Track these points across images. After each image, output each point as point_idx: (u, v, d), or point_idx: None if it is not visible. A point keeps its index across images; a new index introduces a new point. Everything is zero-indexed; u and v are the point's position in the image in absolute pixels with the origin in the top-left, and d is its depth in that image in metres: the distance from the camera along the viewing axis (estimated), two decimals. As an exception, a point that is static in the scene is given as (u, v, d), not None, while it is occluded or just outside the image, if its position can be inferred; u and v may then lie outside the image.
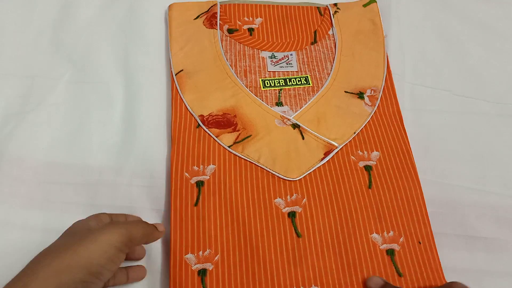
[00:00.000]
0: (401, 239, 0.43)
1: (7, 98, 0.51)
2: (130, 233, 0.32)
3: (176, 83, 0.51)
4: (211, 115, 0.49)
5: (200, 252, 0.41)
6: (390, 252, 0.42)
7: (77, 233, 0.32)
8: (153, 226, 0.36)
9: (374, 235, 0.43)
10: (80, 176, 0.47)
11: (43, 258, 0.30)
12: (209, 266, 0.41)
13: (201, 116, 0.49)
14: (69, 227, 0.35)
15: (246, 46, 0.54)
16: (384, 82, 0.53)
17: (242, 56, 0.54)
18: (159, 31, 0.57)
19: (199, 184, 0.45)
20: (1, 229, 0.44)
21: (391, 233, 0.43)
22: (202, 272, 0.40)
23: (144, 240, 0.35)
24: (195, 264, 0.41)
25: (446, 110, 0.54)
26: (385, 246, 0.43)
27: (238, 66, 0.53)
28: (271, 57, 0.54)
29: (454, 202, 0.47)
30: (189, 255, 0.41)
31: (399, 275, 0.41)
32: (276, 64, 0.53)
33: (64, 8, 0.58)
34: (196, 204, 0.44)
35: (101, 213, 0.37)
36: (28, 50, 0.55)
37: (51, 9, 0.58)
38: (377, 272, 0.41)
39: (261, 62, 0.53)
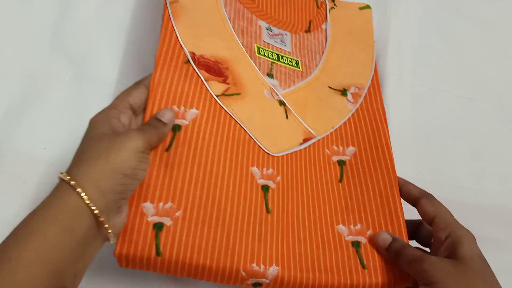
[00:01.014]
0: (368, 232, 0.42)
1: (7, 98, 0.50)
2: (149, 139, 0.36)
3: (169, 9, 0.45)
4: (203, 57, 0.44)
5: (161, 204, 0.36)
6: (356, 244, 0.41)
7: (103, 139, 0.33)
8: (160, 125, 0.38)
9: (340, 226, 0.42)
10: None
11: (78, 167, 0.32)
12: (167, 221, 0.36)
13: (192, 53, 0.44)
14: (91, 127, 0.35)
15: (245, 9, 0.51)
16: (370, 81, 0.53)
17: (241, 16, 0.50)
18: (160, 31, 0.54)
19: (176, 128, 0.40)
20: (2, 229, 0.37)
21: (358, 226, 0.43)
22: (158, 227, 0.35)
23: (160, 141, 0.38)
24: (151, 216, 0.36)
25: (446, 110, 0.55)
26: (350, 238, 0.42)
27: (236, 23, 0.49)
28: (267, 29, 0.51)
29: (454, 202, 0.47)
30: (148, 204, 0.36)
31: (363, 267, 0.40)
32: (271, 37, 0.51)
33: (63, 7, 0.56)
34: (168, 149, 0.39)
35: (117, 102, 0.38)
36: (28, 50, 0.53)
37: (51, 9, 0.56)
38: (340, 262, 0.40)
39: (257, 29, 0.51)
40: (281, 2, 0.56)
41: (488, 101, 0.56)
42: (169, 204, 0.37)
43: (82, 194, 0.30)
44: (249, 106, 0.44)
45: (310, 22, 0.56)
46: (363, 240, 0.42)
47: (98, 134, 0.34)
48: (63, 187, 0.31)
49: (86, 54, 0.53)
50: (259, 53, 0.49)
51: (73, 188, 0.30)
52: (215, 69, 0.44)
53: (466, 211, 0.48)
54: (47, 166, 0.47)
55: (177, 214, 0.36)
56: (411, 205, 0.44)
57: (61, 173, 0.31)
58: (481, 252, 0.38)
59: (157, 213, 0.36)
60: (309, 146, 0.46)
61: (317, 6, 0.58)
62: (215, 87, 0.43)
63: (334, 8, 0.58)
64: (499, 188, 0.50)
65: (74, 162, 0.33)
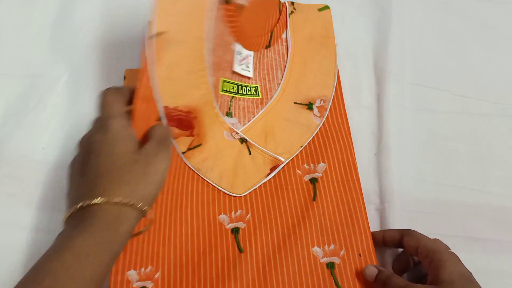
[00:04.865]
0: (341, 252, 0.44)
1: (7, 98, 0.51)
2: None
3: (150, 49, 0.40)
4: (176, 109, 0.44)
5: (142, 269, 0.41)
6: (330, 266, 0.43)
7: (138, 161, 0.36)
8: (169, 133, 0.42)
9: (316, 248, 0.44)
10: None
11: (126, 187, 0.35)
12: (148, 284, 0.40)
13: (166, 107, 0.43)
14: (103, 149, 0.36)
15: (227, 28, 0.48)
16: (334, 91, 0.53)
17: (221, 43, 0.47)
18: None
19: None
20: (1, 229, 0.44)
21: (332, 246, 0.44)
22: None
23: None
24: (136, 282, 0.40)
25: (446, 110, 0.55)
26: (325, 260, 0.44)
27: (214, 56, 0.46)
28: (238, 53, 0.50)
29: (454, 203, 0.49)
30: (132, 272, 0.40)
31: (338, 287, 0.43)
32: (240, 63, 0.51)
33: (63, 7, 0.57)
34: None
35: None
36: (28, 50, 0.55)
37: (51, 9, 0.57)
38: (316, 285, 0.42)
39: (230, 56, 0.50)
40: (262, 8, 0.52)
41: (488, 101, 0.56)
42: (149, 268, 0.41)
43: (144, 208, 0.35)
44: (209, 155, 0.47)
45: (271, 33, 0.55)
46: (337, 260, 0.44)
47: (129, 152, 0.37)
48: (118, 208, 0.35)
49: (85, 53, 0.54)
50: (222, 90, 0.50)
51: (133, 206, 0.35)
52: (186, 122, 0.45)
53: (466, 211, 0.49)
54: (45, 166, 0.47)
55: (156, 276, 0.41)
56: (398, 247, 0.45)
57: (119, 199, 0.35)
58: (465, 271, 0.38)
59: (140, 279, 0.40)
60: (279, 172, 0.48)
61: (279, 11, 0.56)
62: (182, 144, 0.45)
63: (293, 12, 0.57)
64: (499, 189, 0.50)
65: (114, 180, 0.35)
